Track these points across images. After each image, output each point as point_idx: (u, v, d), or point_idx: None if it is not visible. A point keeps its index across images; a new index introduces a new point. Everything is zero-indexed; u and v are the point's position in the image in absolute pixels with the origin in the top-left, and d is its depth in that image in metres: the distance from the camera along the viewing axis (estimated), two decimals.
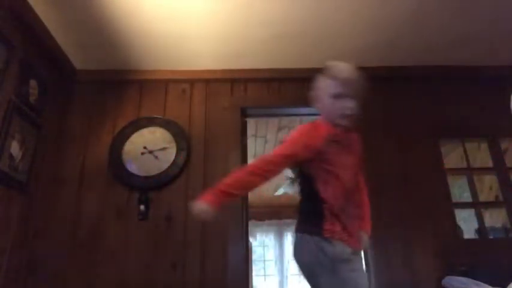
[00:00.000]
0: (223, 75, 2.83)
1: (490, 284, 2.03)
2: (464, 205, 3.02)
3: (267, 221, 6.33)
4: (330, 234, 1.35)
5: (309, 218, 1.43)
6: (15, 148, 2.14)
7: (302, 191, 1.51)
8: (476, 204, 2.71)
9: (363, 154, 1.60)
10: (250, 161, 3.93)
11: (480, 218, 2.65)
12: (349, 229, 1.40)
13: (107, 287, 2.30)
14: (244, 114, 2.81)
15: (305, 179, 1.47)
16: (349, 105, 1.44)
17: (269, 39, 2.54)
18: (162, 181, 2.53)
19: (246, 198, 2.67)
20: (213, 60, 2.75)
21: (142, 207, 2.45)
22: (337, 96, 1.45)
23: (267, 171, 1.37)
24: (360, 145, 1.58)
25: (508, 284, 1.86)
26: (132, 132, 2.64)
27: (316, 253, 1.33)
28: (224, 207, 2.46)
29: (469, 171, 2.79)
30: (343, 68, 1.51)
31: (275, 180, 5.38)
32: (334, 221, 1.37)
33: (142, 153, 2.59)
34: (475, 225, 2.79)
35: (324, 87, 1.50)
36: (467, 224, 3.15)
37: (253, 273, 6.16)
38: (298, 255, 1.42)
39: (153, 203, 2.49)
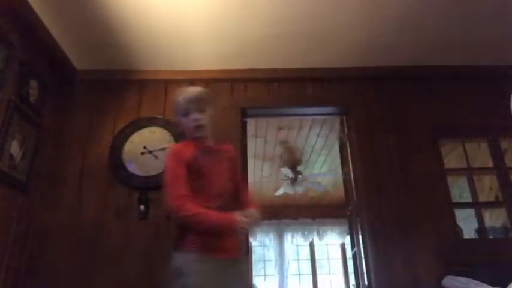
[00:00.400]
0: (223, 75, 2.83)
1: (490, 284, 2.03)
2: (464, 205, 3.03)
3: (267, 221, 6.33)
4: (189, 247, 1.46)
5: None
6: (15, 148, 2.14)
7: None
8: (476, 204, 2.71)
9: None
10: (250, 161, 3.91)
11: (480, 218, 2.65)
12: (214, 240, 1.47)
13: (107, 287, 2.30)
14: (244, 114, 2.82)
15: None
16: (196, 117, 1.61)
17: (269, 39, 2.54)
18: (162, 181, 2.52)
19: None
20: (213, 60, 2.75)
21: (142, 207, 2.45)
22: (185, 114, 1.63)
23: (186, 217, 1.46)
24: (232, 152, 1.79)
25: (508, 284, 1.86)
26: (132, 132, 2.64)
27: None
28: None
29: (469, 171, 2.79)
30: (187, 90, 1.69)
31: (275, 180, 5.38)
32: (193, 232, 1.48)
33: (142, 153, 2.59)
34: (475, 225, 2.79)
35: (176, 109, 1.67)
36: (467, 224, 3.15)
37: (253, 273, 6.17)
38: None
39: (153, 203, 2.49)
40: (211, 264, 1.43)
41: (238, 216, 1.46)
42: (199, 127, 1.62)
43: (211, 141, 1.69)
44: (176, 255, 1.47)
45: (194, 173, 1.52)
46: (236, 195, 1.69)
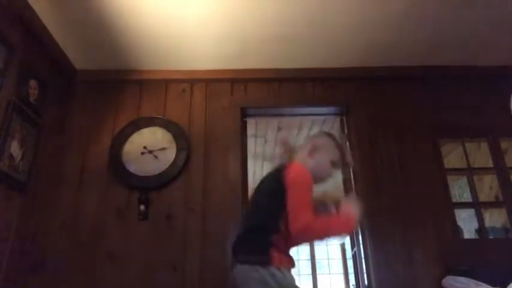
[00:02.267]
0: (223, 75, 2.83)
1: (490, 284, 2.03)
2: (464, 205, 3.03)
3: None
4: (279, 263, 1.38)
5: (257, 248, 1.43)
6: (15, 148, 2.14)
7: (253, 222, 1.51)
8: (476, 204, 2.71)
9: None
10: (250, 161, 3.92)
11: (480, 218, 2.65)
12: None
13: (107, 287, 2.30)
14: (244, 114, 2.81)
15: (274, 213, 1.44)
16: (333, 174, 1.62)
17: (269, 39, 2.54)
18: (162, 181, 2.53)
19: (246, 198, 2.67)
20: (213, 60, 2.75)
21: (142, 207, 2.45)
22: (334, 164, 1.61)
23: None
24: None
25: (508, 284, 1.86)
26: (132, 132, 2.64)
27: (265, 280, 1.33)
28: (224, 209, 2.46)
29: (469, 171, 2.79)
30: (345, 146, 1.73)
31: None
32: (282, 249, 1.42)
33: (142, 154, 2.59)
34: (475, 225, 2.79)
35: (328, 148, 1.62)
36: (467, 224, 3.15)
37: None
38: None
39: (153, 203, 2.49)
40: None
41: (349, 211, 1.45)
42: (324, 181, 1.61)
43: None
44: (261, 270, 1.35)
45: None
46: None
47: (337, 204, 1.51)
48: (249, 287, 1.35)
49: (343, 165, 1.66)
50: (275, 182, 1.50)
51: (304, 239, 1.50)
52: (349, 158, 1.65)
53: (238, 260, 1.42)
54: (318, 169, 1.57)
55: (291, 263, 1.45)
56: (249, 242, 1.45)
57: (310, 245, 6.52)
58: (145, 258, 2.37)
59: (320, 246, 6.55)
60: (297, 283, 1.42)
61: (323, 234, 1.44)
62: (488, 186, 3.23)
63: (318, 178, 1.56)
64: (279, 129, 4.00)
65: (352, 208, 1.46)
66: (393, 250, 2.38)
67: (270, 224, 1.42)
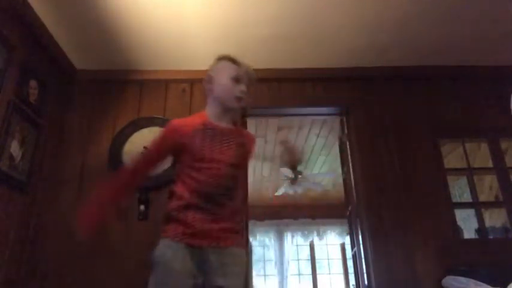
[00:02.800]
0: None
1: (490, 284, 2.03)
2: (464, 205, 3.03)
3: (267, 221, 6.33)
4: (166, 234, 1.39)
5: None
6: (15, 148, 2.14)
7: None
8: (476, 204, 2.71)
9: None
10: (250, 161, 3.91)
11: (480, 218, 2.65)
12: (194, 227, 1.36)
13: (107, 287, 2.30)
14: (244, 114, 2.81)
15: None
16: (244, 90, 1.48)
17: (269, 39, 2.54)
18: (162, 181, 2.52)
19: (246, 198, 2.67)
20: (213, 60, 2.74)
21: (142, 207, 2.45)
22: (236, 80, 1.48)
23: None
24: (249, 139, 1.60)
25: (508, 284, 1.86)
26: (132, 132, 2.64)
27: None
28: None
29: (469, 171, 2.79)
30: (243, 61, 1.55)
31: (275, 180, 5.39)
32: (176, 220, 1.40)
33: (142, 153, 2.58)
34: (475, 225, 2.79)
35: (223, 68, 1.51)
36: (467, 224, 3.15)
37: (253, 273, 6.17)
38: None
39: (153, 203, 2.49)
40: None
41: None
42: (241, 100, 1.47)
43: (228, 124, 1.51)
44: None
45: (188, 154, 1.40)
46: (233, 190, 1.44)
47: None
48: None
49: (247, 78, 1.50)
50: None
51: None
52: (246, 68, 1.51)
53: None
54: (223, 95, 1.48)
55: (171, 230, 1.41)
56: None
57: (310, 246, 6.53)
58: (145, 258, 2.36)
59: (320, 246, 6.55)
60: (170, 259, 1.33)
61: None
62: (488, 186, 3.24)
63: (230, 101, 1.47)
64: (279, 129, 4.00)
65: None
66: (393, 250, 2.38)
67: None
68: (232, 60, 1.52)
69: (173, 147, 1.45)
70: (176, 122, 1.50)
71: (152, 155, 1.53)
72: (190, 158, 1.41)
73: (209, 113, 1.50)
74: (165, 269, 1.34)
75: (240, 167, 1.48)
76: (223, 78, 1.49)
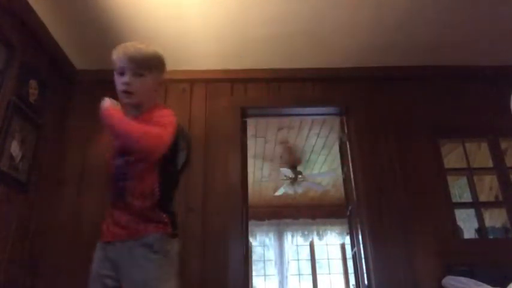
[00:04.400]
0: (223, 75, 2.83)
1: (490, 284, 2.03)
2: (464, 205, 3.03)
3: (267, 221, 6.34)
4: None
5: None
6: (15, 148, 2.14)
7: None
8: (476, 204, 2.71)
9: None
10: (250, 161, 3.91)
11: (480, 218, 2.65)
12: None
13: None
14: (244, 114, 2.81)
15: None
16: (126, 81, 1.40)
17: (269, 39, 2.54)
18: None
19: (246, 198, 2.67)
20: (213, 60, 2.75)
21: None
22: (120, 72, 1.44)
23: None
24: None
25: (508, 284, 1.86)
26: None
27: None
28: (224, 209, 2.45)
29: (469, 171, 2.79)
30: (126, 45, 1.46)
31: (275, 180, 5.38)
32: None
33: None
34: (475, 225, 2.79)
35: (113, 64, 1.47)
36: (467, 224, 3.15)
37: (253, 273, 6.17)
38: None
39: None
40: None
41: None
42: (126, 93, 1.42)
43: (142, 111, 1.46)
44: None
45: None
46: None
47: None
48: None
49: (127, 64, 1.43)
50: None
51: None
52: (122, 55, 1.44)
53: None
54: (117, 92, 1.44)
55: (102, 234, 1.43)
56: None
57: (310, 246, 6.54)
58: None
59: (320, 246, 6.55)
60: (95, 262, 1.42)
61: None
62: (488, 186, 3.24)
63: (120, 97, 1.46)
64: (279, 129, 4.00)
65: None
66: (393, 250, 2.38)
67: None
68: (114, 55, 1.45)
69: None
70: None
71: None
72: None
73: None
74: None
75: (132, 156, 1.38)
76: (115, 76, 1.45)
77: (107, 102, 1.34)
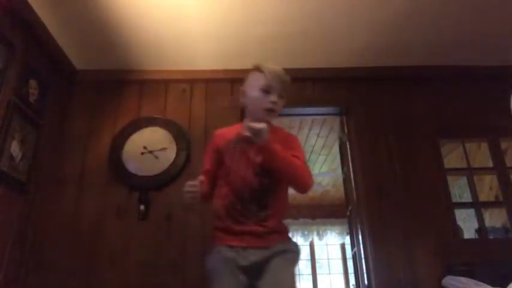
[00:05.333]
0: (223, 75, 2.83)
1: (490, 284, 2.03)
2: (464, 205, 3.03)
3: None
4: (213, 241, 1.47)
5: None
6: (15, 148, 2.14)
7: None
8: (476, 204, 2.71)
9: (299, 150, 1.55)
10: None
11: (480, 218, 2.65)
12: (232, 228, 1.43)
13: (107, 287, 2.30)
14: (244, 114, 2.81)
15: None
16: (274, 100, 1.46)
17: (269, 39, 2.54)
18: (162, 181, 2.53)
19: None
20: (213, 60, 2.75)
21: (142, 207, 2.45)
22: (265, 90, 1.47)
23: None
24: (288, 142, 1.52)
25: (508, 284, 1.86)
26: (132, 132, 2.64)
27: None
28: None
29: (469, 171, 2.79)
30: (273, 66, 1.53)
31: None
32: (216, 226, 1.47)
33: (142, 153, 2.59)
34: (475, 225, 2.79)
35: (252, 80, 1.51)
36: (467, 224, 3.15)
37: None
38: None
39: (153, 203, 2.49)
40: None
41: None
42: (272, 112, 1.47)
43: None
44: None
45: (221, 161, 1.49)
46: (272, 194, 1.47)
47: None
48: None
49: (278, 86, 1.47)
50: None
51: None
52: (276, 76, 1.48)
53: None
54: (253, 106, 1.50)
55: (221, 239, 1.45)
56: None
57: (310, 246, 6.53)
58: (145, 258, 2.37)
59: (320, 246, 6.56)
60: (223, 264, 1.40)
61: None
62: (488, 186, 3.24)
63: (261, 114, 1.46)
64: None
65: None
66: (393, 250, 2.38)
67: None
68: (260, 70, 1.50)
69: (214, 154, 1.54)
70: (217, 131, 1.62)
71: (204, 165, 1.57)
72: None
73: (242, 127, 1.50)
74: None
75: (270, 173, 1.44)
76: (254, 91, 1.49)
77: (264, 128, 1.30)
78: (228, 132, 1.56)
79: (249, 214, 1.43)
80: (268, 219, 1.43)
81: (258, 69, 1.52)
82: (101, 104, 2.77)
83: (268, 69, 1.49)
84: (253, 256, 1.38)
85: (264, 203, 1.44)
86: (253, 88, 1.50)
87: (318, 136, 4.17)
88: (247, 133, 1.31)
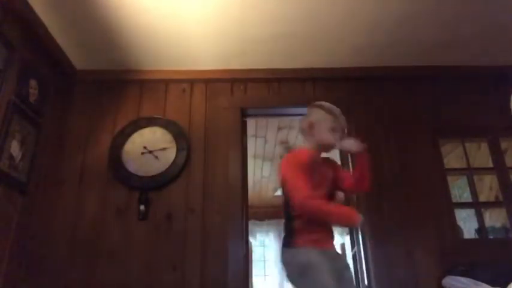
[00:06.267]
0: (223, 75, 2.83)
1: (490, 284, 2.03)
2: (464, 205, 3.03)
3: (266, 221, 6.33)
4: (300, 243, 1.55)
5: (286, 233, 1.66)
6: (15, 148, 2.14)
7: (284, 212, 1.70)
8: (476, 204, 2.71)
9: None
10: (250, 161, 3.91)
11: (480, 218, 2.65)
12: (319, 235, 1.59)
13: (107, 287, 2.30)
14: (244, 114, 2.81)
15: (287, 200, 1.65)
16: (337, 139, 1.69)
17: (269, 39, 2.54)
18: (162, 181, 2.53)
19: (246, 198, 2.67)
20: (213, 60, 2.75)
21: (142, 207, 2.45)
22: (333, 130, 1.70)
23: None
24: (334, 168, 1.81)
25: (508, 284, 1.86)
26: (132, 132, 2.64)
27: (290, 261, 1.56)
28: (224, 208, 2.46)
29: (469, 171, 2.79)
30: (335, 107, 1.76)
31: (275, 180, 5.38)
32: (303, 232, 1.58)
33: (143, 153, 2.59)
34: (475, 225, 2.79)
35: (324, 120, 1.72)
36: (467, 224, 3.15)
37: (253, 273, 6.16)
38: (285, 265, 1.60)
39: (153, 203, 2.49)
40: (327, 254, 1.55)
41: (357, 212, 1.58)
42: (332, 148, 1.72)
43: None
44: (292, 251, 1.56)
45: (311, 171, 1.61)
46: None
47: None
48: (282, 266, 1.60)
49: (342, 128, 1.74)
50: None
51: (310, 214, 1.56)
52: (342, 119, 1.73)
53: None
54: (321, 141, 1.70)
55: (317, 242, 1.55)
56: (284, 229, 1.69)
57: None
58: (145, 258, 2.37)
59: None
60: (323, 263, 1.48)
61: (321, 214, 1.54)
62: (488, 186, 3.24)
63: (327, 148, 1.72)
64: (279, 129, 4.00)
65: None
66: (393, 250, 2.38)
67: (288, 211, 1.63)
68: (331, 113, 1.72)
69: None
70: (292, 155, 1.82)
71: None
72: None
73: (311, 150, 1.73)
74: None
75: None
76: (324, 129, 1.70)
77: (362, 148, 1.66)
78: (301, 153, 1.75)
79: None
80: None
81: (329, 111, 1.74)
82: (101, 104, 2.77)
83: (338, 113, 1.73)
84: None
85: None
86: (323, 126, 1.71)
87: None
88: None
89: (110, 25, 2.37)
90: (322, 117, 1.73)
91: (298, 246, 1.55)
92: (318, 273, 1.45)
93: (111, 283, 2.30)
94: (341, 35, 2.53)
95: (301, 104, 2.85)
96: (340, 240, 6.39)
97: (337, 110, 1.74)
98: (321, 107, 1.76)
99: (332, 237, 1.66)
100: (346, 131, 1.78)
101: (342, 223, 1.65)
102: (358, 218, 1.50)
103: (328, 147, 1.72)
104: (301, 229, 1.57)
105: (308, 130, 1.75)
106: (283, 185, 1.65)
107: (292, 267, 1.54)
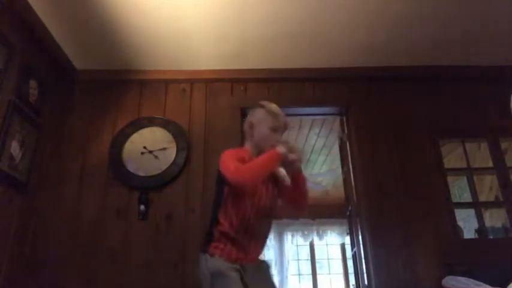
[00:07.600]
0: (223, 75, 2.83)
1: (490, 284, 2.03)
2: (464, 205, 3.02)
3: None
4: (214, 252, 1.53)
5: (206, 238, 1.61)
6: (15, 148, 2.14)
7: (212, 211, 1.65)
8: (476, 204, 2.71)
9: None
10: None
11: (480, 218, 2.65)
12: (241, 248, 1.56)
13: (107, 286, 2.30)
14: (244, 114, 2.81)
15: (214, 202, 1.64)
16: (278, 139, 1.67)
17: (269, 39, 2.54)
18: (162, 181, 2.53)
19: None
20: (213, 60, 2.75)
21: (142, 207, 2.45)
22: (274, 129, 1.69)
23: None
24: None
25: (508, 284, 1.86)
26: (132, 132, 2.65)
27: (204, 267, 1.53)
28: None
29: (469, 171, 2.79)
30: (278, 108, 1.77)
31: None
32: (223, 241, 1.55)
33: (142, 153, 2.59)
34: (475, 225, 2.79)
35: (264, 119, 1.71)
36: (467, 224, 3.15)
37: None
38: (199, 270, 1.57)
39: (153, 203, 2.49)
40: (238, 267, 1.51)
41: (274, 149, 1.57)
42: (275, 146, 1.67)
43: None
44: (207, 258, 1.54)
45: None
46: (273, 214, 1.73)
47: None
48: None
49: (283, 128, 1.73)
50: (216, 172, 1.65)
51: (247, 181, 1.53)
52: (282, 119, 1.72)
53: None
54: (261, 141, 1.69)
55: (232, 256, 1.53)
56: (205, 231, 1.65)
57: (310, 246, 6.54)
58: (145, 258, 2.37)
59: (320, 246, 6.55)
60: (229, 271, 1.47)
61: (254, 173, 1.53)
62: (488, 186, 3.23)
63: (267, 148, 1.64)
64: None
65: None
66: (393, 250, 2.38)
67: (213, 216, 1.61)
68: (272, 112, 1.73)
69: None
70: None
71: None
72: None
73: (250, 151, 1.72)
74: None
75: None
76: (263, 128, 1.70)
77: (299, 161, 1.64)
78: (242, 151, 1.73)
79: None
80: None
81: (270, 110, 1.73)
82: (101, 103, 2.77)
83: (278, 112, 1.73)
84: None
85: None
86: (263, 125, 1.71)
87: (318, 136, 4.17)
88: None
89: (110, 25, 2.38)
90: (262, 116, 1.73)
91: (213, 254, 1.52)
92: (227, 285, 1.45)
93: (111, 283, 2.30)
94: (341, 35, 2.53)
95: (301, 104, 2.86)
96: (340, 240, 6.41)
97: (277, 109, 1.74)
98: (262, 106, 1.76)
99: (254, 249, 1.61)
100: (287, 129, 1.77)
101: (274, 165, 1.57)
102: (277, 151, 1.54)
103: (266, 147, 1.67)
104: (218, 238, 1.55)
105: (249, 130, 1.75)
106: (218, 182, 1.63)
107: (204, 274, 1.52)
